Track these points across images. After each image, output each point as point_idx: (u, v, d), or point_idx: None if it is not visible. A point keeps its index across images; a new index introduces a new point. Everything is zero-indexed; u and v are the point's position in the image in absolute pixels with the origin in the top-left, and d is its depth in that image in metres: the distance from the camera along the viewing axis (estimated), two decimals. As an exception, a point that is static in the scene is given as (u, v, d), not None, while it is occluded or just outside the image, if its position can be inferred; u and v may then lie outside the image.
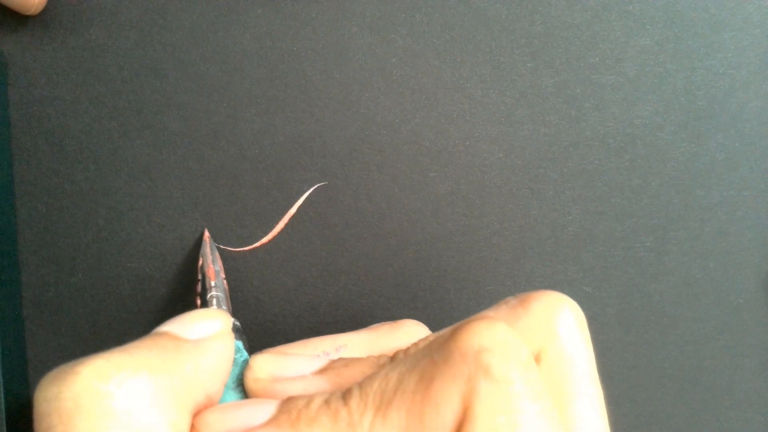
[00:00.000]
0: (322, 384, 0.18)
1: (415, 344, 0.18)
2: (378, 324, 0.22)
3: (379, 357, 0.18)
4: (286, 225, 0.28)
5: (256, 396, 0.18)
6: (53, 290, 0.27)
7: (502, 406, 0.14)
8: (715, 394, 0.29)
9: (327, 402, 0.16)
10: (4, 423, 0.25)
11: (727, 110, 0.29)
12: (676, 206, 0.29)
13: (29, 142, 0.27)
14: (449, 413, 0.15)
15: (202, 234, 0.27)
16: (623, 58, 0.28)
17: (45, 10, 0.26)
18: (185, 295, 0.27)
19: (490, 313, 0.18)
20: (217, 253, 0.27)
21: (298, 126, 0.27)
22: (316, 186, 0.28)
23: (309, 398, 0.16)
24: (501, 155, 0.28)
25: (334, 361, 0.19)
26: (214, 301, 0.24)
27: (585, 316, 0.19)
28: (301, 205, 0.28)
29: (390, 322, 0.22)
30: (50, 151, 0.27)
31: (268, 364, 0.19)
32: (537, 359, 0.18)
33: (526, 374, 0.15)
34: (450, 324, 0.25)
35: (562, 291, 0.29)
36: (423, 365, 0.15)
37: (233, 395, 0.19)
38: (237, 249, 0.27)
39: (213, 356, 0.17)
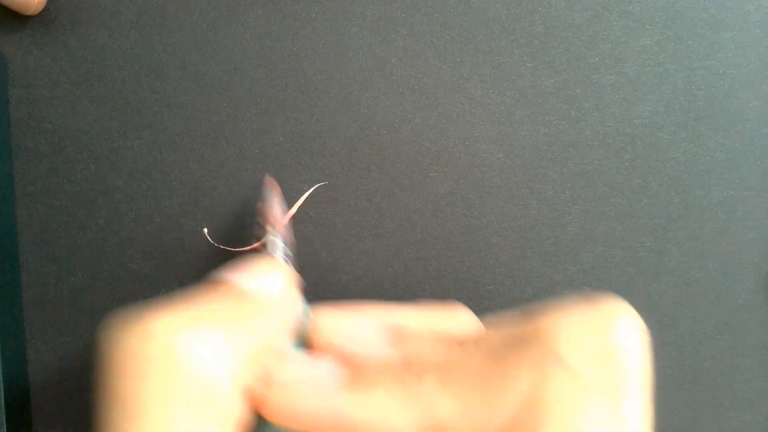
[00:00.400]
0: (384, 347, 0.18)
1: (487, 335, 0.18)
2: (427, 304, 0.22)
3: (440, 334, 0.18)
4: (286, 225, 0.28)
5: (317, 349, 0.18)
6: (53, 290, 0.27)
7: (571, 395, 0.14)
8: (715, 394, 0.29)
9: (389, 366, 0.16)
10: (5, 422, 0.25)
11: (727, 110, 0.29)
12: (676, 206, 0.29)
13: (29, 142, 0.27)
14: (514, 394, 0.15)
15: (264, 178, 0.27)
16: (623, 58, 0.28)
17: (45, 10, 0.26)
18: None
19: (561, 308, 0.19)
20: (278, 198, 0.26)
21: (298, 126, 0.27)
22: (316, 186, 0.28)
23: (371, 360, 0.16)
24: (501, 155, 0.28)
25: (397, 327, 0.19)
26: (270, 246, 0.23)
27: None
28: (301, 205, 0.28)
29: (438, 304, 0.22)
30: (50, 151, 0.27)
31: (333, 320, 0.19)
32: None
33: (597, 368, 0.15)
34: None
35: (562, 291, 0.29)
36: (494, 344, 0.16)
37: (295, 346, 0.19)
38: (237, 249, 0.27)
39: (278, 311, 0.17)
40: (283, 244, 0.24)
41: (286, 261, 0.24)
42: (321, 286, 0.28)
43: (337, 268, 0.28)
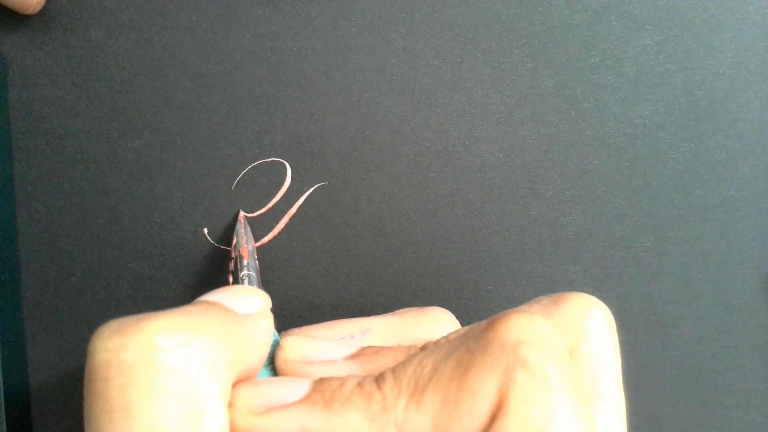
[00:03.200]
0: (353, 369, 0.18)
1: (446, 336, 0.17)
2: (404, 309, 0.22)
3: (410, 347, 0.18)
4: (286, 225, 0.28)
5: (285, 376, 0.18)
6: (53, 290, 0.27)
7: (538, 398, 0.14)
8: (715, 394, 0.29)
9: (360, 385, 0.16)
10: (5, 422, 0.25)
11: (727, 110, 0.29)
12: (676, 206, 0.29)
13: (29, 142, 0.27)
14: (485, 402, 0.15)
15: (237, 214, 0.27)
16: (623, 58, 0.28)
17: (45, 10, 0.26)
18: (185, 295, 0.27)
19: (524, 309, 0.18)
20: (251, 234, 0.27)
21: (298, 126, 0.27)
22: (316, 186, 0.28)
23: (342, 380, 0.16)
24: (501, 155, 0.28)
25: (364, 348, 0.19)
26: (246, 280, 0.24)
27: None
28: (301, 205, 0.28)
29: (417, 308, 0.22)
30: (50, 151, 0.27)
31: (299, 346, 0.18)
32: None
33: (562, 368, 0.15)
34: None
35: (562, 291, 0.29)
36: (459, 353, 0.16)
37: (264, 372, 0.19)
38: (237, 249, 0.27)
39: (261, 332, 0.17)
40: (256, 275, 0.24)
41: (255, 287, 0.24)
42: (320, 286, 0.28)
43: (337, 268, 0.28)
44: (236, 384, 0.17)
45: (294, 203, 0.28)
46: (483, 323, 0.16)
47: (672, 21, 0.28)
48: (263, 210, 0.27)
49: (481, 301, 0.28)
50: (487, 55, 0.28)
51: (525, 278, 0.28)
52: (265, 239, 0.27)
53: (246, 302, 0.18)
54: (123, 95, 0.27)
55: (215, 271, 0.27)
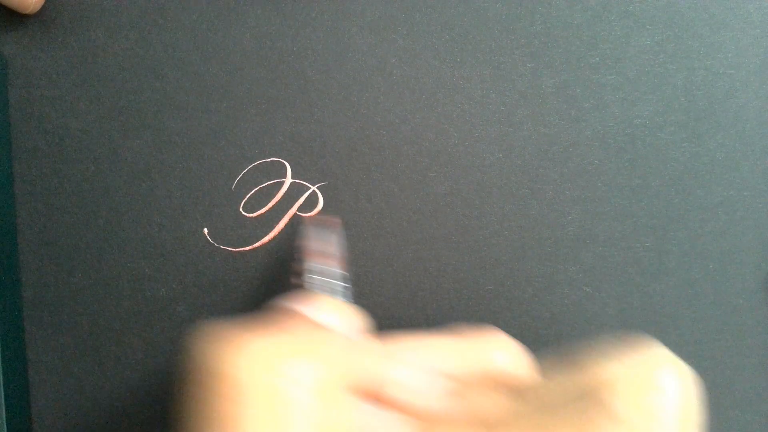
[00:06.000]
0: (443, 398, 0.18)
1: (539, 385, 0.18)
2: (458, 329, 0.22)
3: (495, 379, 0.19)
4: (286, 225, 0.28)
5: (377, 400, 0.19)
6: (53, 290, 0.27)
7: None
8: (715, 394, 0.29)
9: (455, 421, 0.17)
10: (5, 423, 0.25)
11: (727, 110, 0.29)
12: (676, 206, 0.29)
13: (29, 142, 0.27)
14: None
15: (336, 221, 0.26)
16: (623, 58, 0.28)
17: (45, 10, 0.26)
18: (185, 295, 0.27)
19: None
20: (333, 236, 0.25)
21: (298, 126, 0.27)
22: (316, 186, 0.28)
23: (435, 413, 0.17)
24: (501, 155, 0.28)
25: (453, 377, 0.19)
26: (323, 287, 0.23)
27: (584, 319, 0.19)
28: (301, 205, 0.28)
29: (470, 330, 0.22)
30: (50, 151, 0.27)
31: (390, 371, 0.19)
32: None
33: (647, 421, 0.16)
34: (445, 324, 0.25)
35: (562, 291, 0.29)
36: (552, 398, 0.16)
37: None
38: (237, 249, 0.27)
39: (367, 358, 0.18)
40: (341, 283, 0.23)
41: (344, 299, 0.23)
42: (321, 286, 0.28)
43: (337, 268, 0.28)
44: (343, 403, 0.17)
45: (294, 203, 0.28)
46: (576, 370, 0.17)
47: (672, 21, 0.28)
48: (263, 210, 0.27)
49: (481, 301, 0.28)
50: (487, 55, 0.28)
51: (525, 278, 0.28)
52: (265, 239, 0.27)
53: (337, 318, 0.18)
54: (123, 95, 0.27)
55: (215, 271, 0.27)
